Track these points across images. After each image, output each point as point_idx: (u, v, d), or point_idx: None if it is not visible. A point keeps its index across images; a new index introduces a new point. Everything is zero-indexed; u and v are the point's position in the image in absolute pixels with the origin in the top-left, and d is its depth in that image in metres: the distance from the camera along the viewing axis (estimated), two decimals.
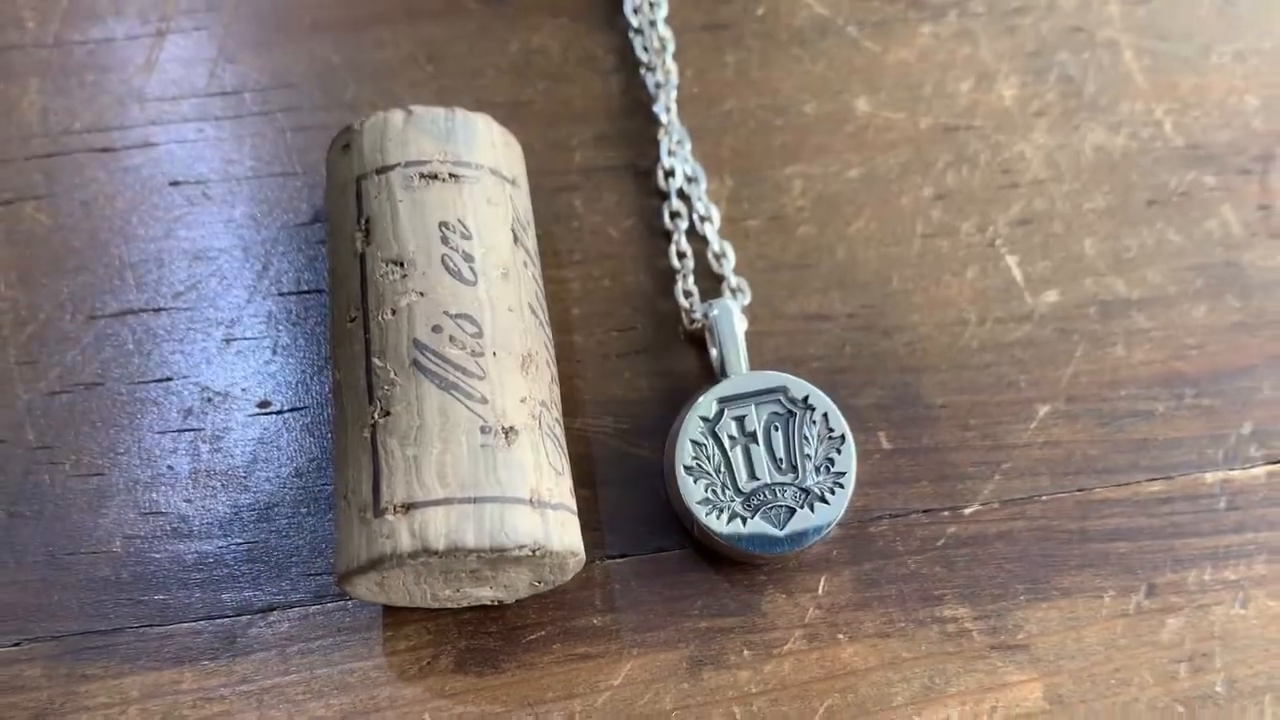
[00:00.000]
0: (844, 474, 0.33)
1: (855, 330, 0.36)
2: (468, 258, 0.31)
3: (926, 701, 0.32)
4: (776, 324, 0.36)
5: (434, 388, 0.30)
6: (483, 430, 0.30)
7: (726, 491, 0.33)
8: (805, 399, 0.33)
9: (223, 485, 0.34)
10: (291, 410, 0.35)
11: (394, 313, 0.31)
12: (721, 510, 0.32)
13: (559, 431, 0.31)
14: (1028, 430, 0.35)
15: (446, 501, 0.29)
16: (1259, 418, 0.35)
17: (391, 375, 0.30)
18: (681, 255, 0.37)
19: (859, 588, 0.34)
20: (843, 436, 0.33)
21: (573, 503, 0.31)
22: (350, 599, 0.33)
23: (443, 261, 0.31)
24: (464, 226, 0.32)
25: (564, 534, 0.30)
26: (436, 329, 0.30)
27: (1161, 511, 0.34)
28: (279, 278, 0.36)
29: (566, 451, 0.32)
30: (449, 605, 0.32)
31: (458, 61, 0.39)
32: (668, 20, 0.39)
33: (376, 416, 0.30)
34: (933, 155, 0.38)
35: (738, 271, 0.36)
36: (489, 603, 0.33)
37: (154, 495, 0.34)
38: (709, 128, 0.38)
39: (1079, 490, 0.35)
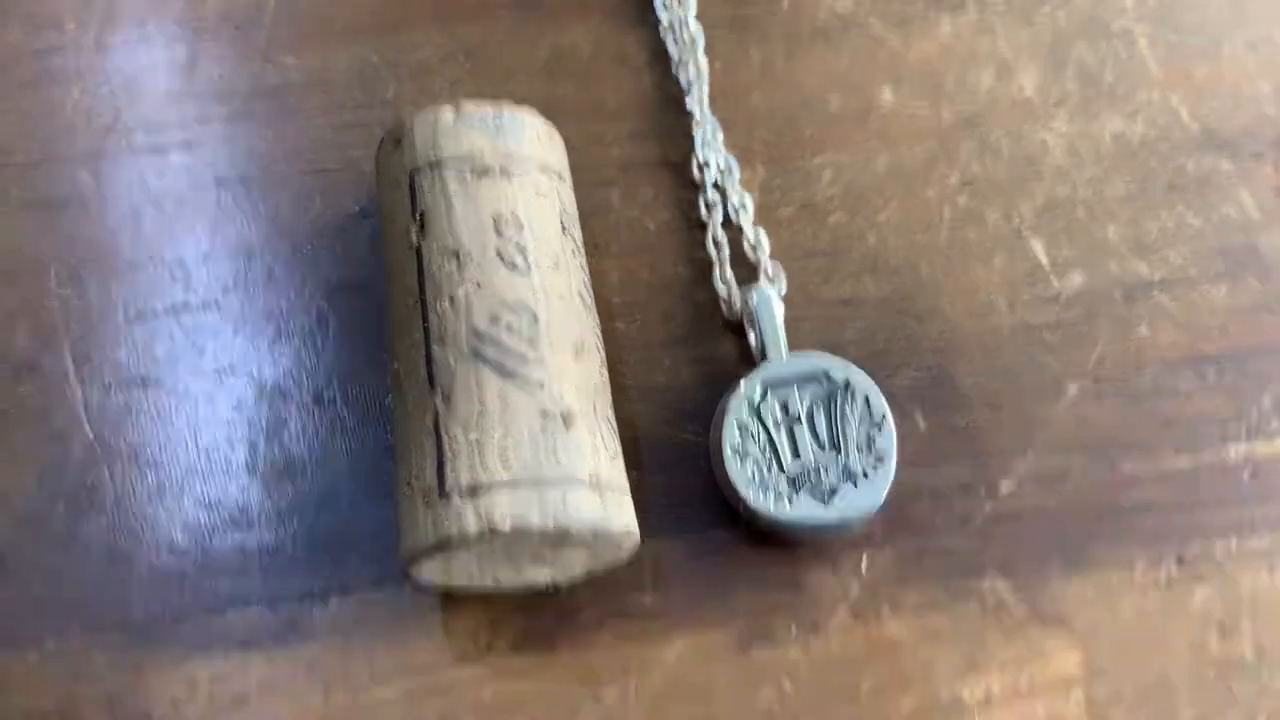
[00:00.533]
0: (885, 453, 0.34)
1: (888, 314, 0.37)
2: (520, 249, 0.32)
3: (968, 672, 0.34)
4: (812, 309, 0.37)
5: (493, 374, 0.31)
6: (542, 415, 0.31)
7: (772, 471, 0.34)
8: (846, 382, 0.34)
9: (280, 476, 0.35)
10: (345, 402, 0.36)
11: (452, 302, 0.32)
12: (768, 490, 0.34)
13: (611, 415, 0.32)
14: (1058, 410, 0.36)
15: (510, 484, 0.30)
16: (1279, 393, 0.37)
17: (451, 363, 0.31)
18: (717, 244, 0.38)
19: (900, 564, 0.35)
20: (884, 416, 0.34)
21: (627, 485, 0.32)
22: (409, 584, 0.34)
23: (497, 253, 0.32)
24: (516, 218, 0.33)
25: (621, 514, 0.31)
26: (494, 319, 0.31)
27: (1188, 485, 0.36)
28: (328, 273, 0.37)
29: (618, 435, 0.33)
30: (506, 588, 0.33)
31: (490, 62, 0.39)
32: (695, 17, 0.40)
33: (438, 403, 0.31)
34: (956, 145, 0.39)
35: (772, 258, 0.38)
36: (544, 586, 0.34)
37: (212, 487, 0.35)
38: (738, 120, 0.39)
39: (1110, 465, 0.36)
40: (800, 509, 0.33)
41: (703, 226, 0.38)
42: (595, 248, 0.38)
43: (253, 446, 0.35)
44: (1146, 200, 0.39)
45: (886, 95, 0.40)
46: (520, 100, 0.39)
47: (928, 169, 0.39)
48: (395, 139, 0.34)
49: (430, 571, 0.31)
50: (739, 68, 0.40)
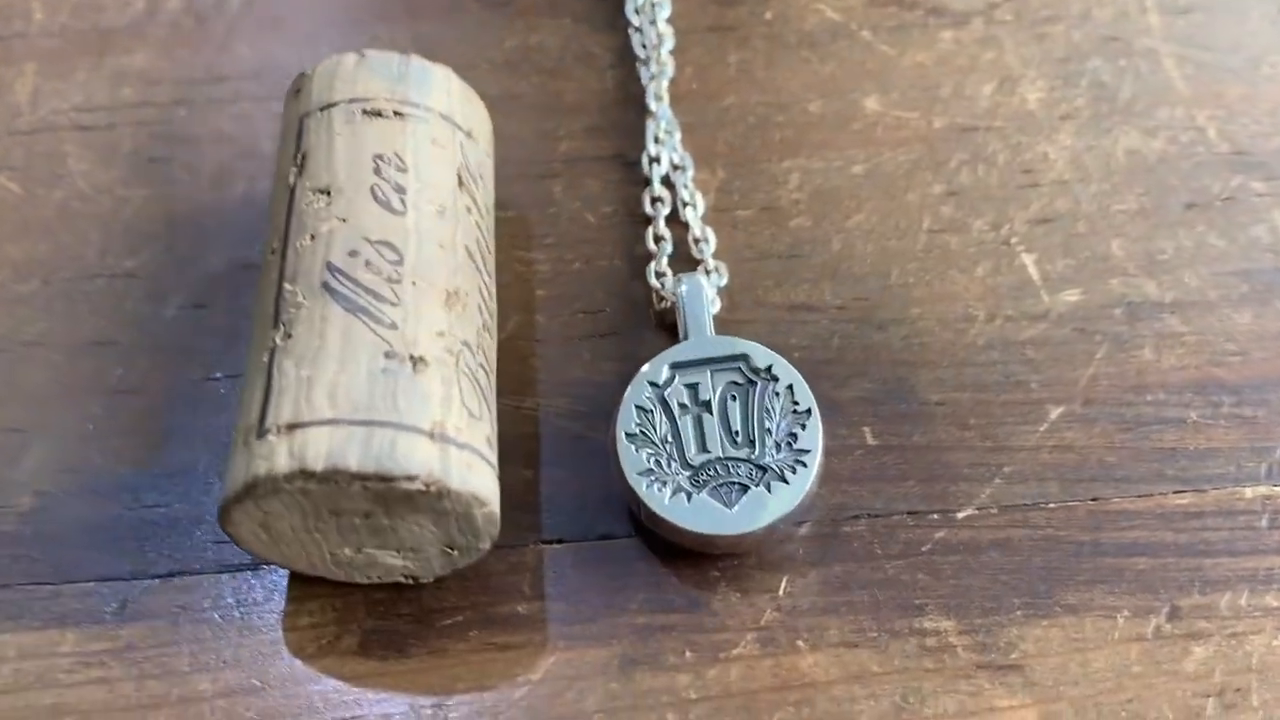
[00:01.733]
0: (808, 452, 0.29)
1: (845, 322, 0.33)
2: (399, 189, 0.29)
3: None
4: (757, 312, 0.33)
5: (340, 310, 0.27)
6: (386, 355, 0.27)
7: (672, 464, 0.29)
8: (769, 369, 0.30)
9: (141, 448, 0.31)
10: (226, 377, 0.32)
11: (313, 238, 0.28)
12: (665, 483, 0.29)
13: (484, 380, 0.28)
14: (1036, 433, 0.31)
15: (333, 422, 0.26)
16: None
17: (300, 298, 0.28)
18: (659, 239, 0.34)
19: (827, 591, 0.29)
20: (809, 411, 0.29)
21: (490, 454, 0.27)
22: (255, 567, 0.30)
23: (371, 191, 0.29)
24: (400, 160, 0.30)
25: (469, 476, 0.26)
26: (353, 253, 0.28)
27: (1190, 527, 0.29)
28: (254, 247, 0.34)
29: (491, 404, 0.28)
30: (357, 577, 0.29)
31: (450, 55, 0.37)
32: (671, 21, 0.38)
33: (278, 339, 0.27)
34: (946, 154, 0.35)
35: (719, 257, 0.33)
36: (402, 578, 0.29)
37: (72, 453, 0.31)
38: (704, 122, 0.36)
39: (1093, 500, 0.30)
40: (699, 509, 0.28)
41: (648, 222, 0.34)
42: (528, 238, 0.34)
43: (117, 415, 0.32)
44: (1161, 218, 0.34)
45: (872, 103, 0.36)
46: (476, 91, 0.36)
47: (910, 175, 0.35)
48: (296, 89, 0.32)
49: (249, 530, 0.27)
50: (714, 71, 0.37)
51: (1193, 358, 0.32)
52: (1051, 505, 0.30)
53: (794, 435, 0.29)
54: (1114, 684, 0.28)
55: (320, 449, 0.26)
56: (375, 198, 0.29)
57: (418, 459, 0.26)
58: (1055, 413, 0.31)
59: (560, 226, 0.34)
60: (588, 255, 0.34)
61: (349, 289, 0.28)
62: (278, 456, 0.26)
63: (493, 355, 0.30)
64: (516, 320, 0.33)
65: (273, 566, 0.30)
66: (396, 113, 0.30)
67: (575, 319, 0.33)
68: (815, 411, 0.29)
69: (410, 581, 0.29)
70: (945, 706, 0.28)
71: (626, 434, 0.29)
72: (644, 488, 0.29)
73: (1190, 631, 0.28)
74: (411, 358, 0.27)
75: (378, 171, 0.29)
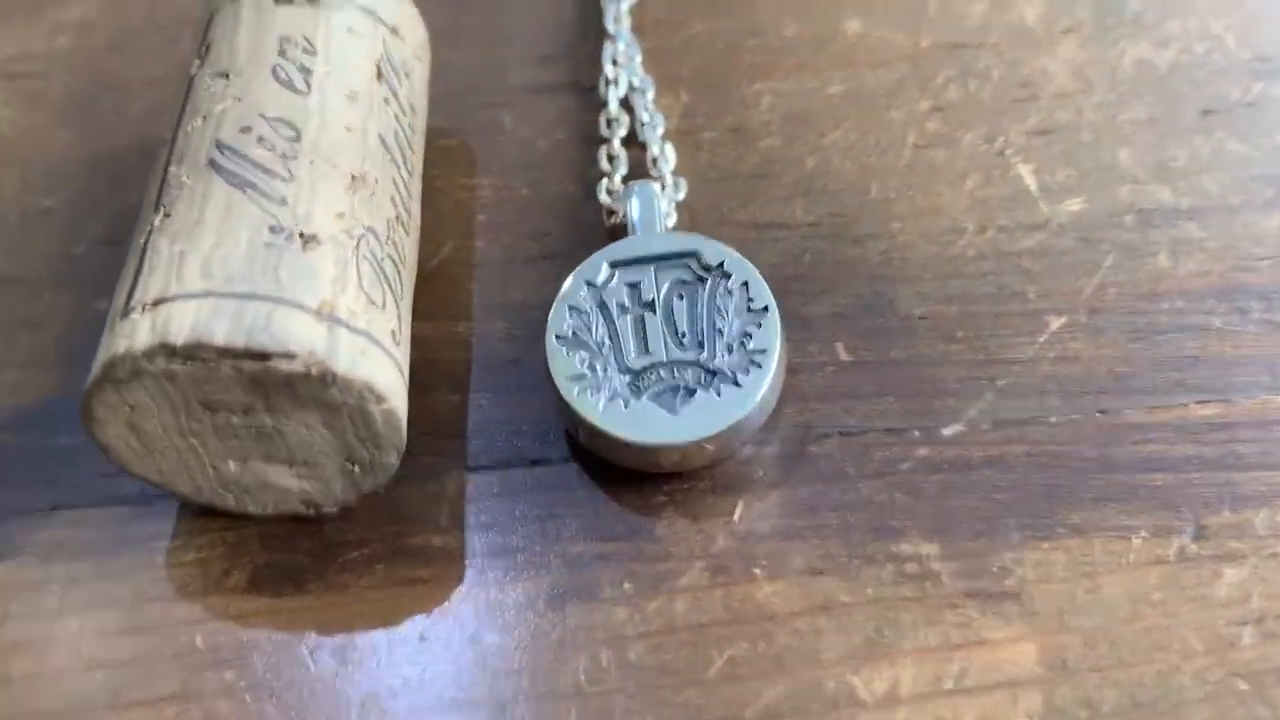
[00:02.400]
0: (763, 352, 0.25)
1: (818, 238, 0.29)
2: (304, 70, 0.26)
3: (869, 658, 0.23)
4: (720, 230, 0.29)
5: (224, 184, 0.24)
6: (272, 230, 0.24)
7: (609, 369, 0.25)
8: (720, 265, 0.26)
9: (39, 381, 0.28)
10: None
11: (204, 119, 0.25)
12: (599, 389, 0.25)
13: (391, 271, 0.25)
14: (1035, 344, 0.27)
15: (203, 294, 0.23)
16: None
17: (184, 179, 0.25)
18: (612, 158, 0.30)
19: (789, 515, 0.25)
20: (765, 308, 0.26)
21: (394, 350, 0.24)
22: (145, 500, 0.26)
23: (273, 71, 0.26)
24: (309, 43, 0.27)
25: (362, 362, 0.23)
26: (245, 129, 0.25)
27: (1217, 439, 0.25)
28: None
29: (400, 300, 0.25)
30: (250, 505, 0.25)
31: None
32: None
33: (156, 222, 0.24)
34: (933, 71, 0.32)
35: (677, 174, 0.30)
36: (301, 507, 0.25)
37: None
38: (669, 48, 0.33)
39: (1101, 413, 0.26)
40: (639, 416, 0.25)
41: (602, 144, 0.31)
42: (470, 165, 0.31)
43: (14, 343, 0.29)
44: (1174, 125, 0.30)
45: (853, 24, 0.33)
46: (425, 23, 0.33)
47: (893, 93, 0.31)
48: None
49: (117, 433, 0.24)
50: None
51: (1215, 264, 0.28)
52: (1053, 419, 0.26)
53: (748, 335, 0.25)
54: (1131, 612, 0.23)
55: (185, 322, 0.22)
56: (277, 77, 0.26)
57: (297, 335, 0.22)
58: (1056, 323, 0.27)
59: (507, 153, 0.31)
60: (535, 181, 0.31)
61: (236, 164, 0.24)
62: (138, 333, 0.22)
63: (408, 253, 0.26)
64: (453, 245, 0.30)
65: (164, 501, 0.26)
66: (311, 0, 0.28)
67: (518, 243, 0.30)
68: (774, 309, 0.25)
69: (311, 512, 0.25)
70: (927, 639, 0.23)
71: (557, 336, 0.26)
72: (575, 394, 0.25)
73: (1220, 553, 0.24)
74: (302, 235, 0.24)
75: (282, 54, 0.26)
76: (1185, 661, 0.23)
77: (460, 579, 0.25)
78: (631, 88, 0.32)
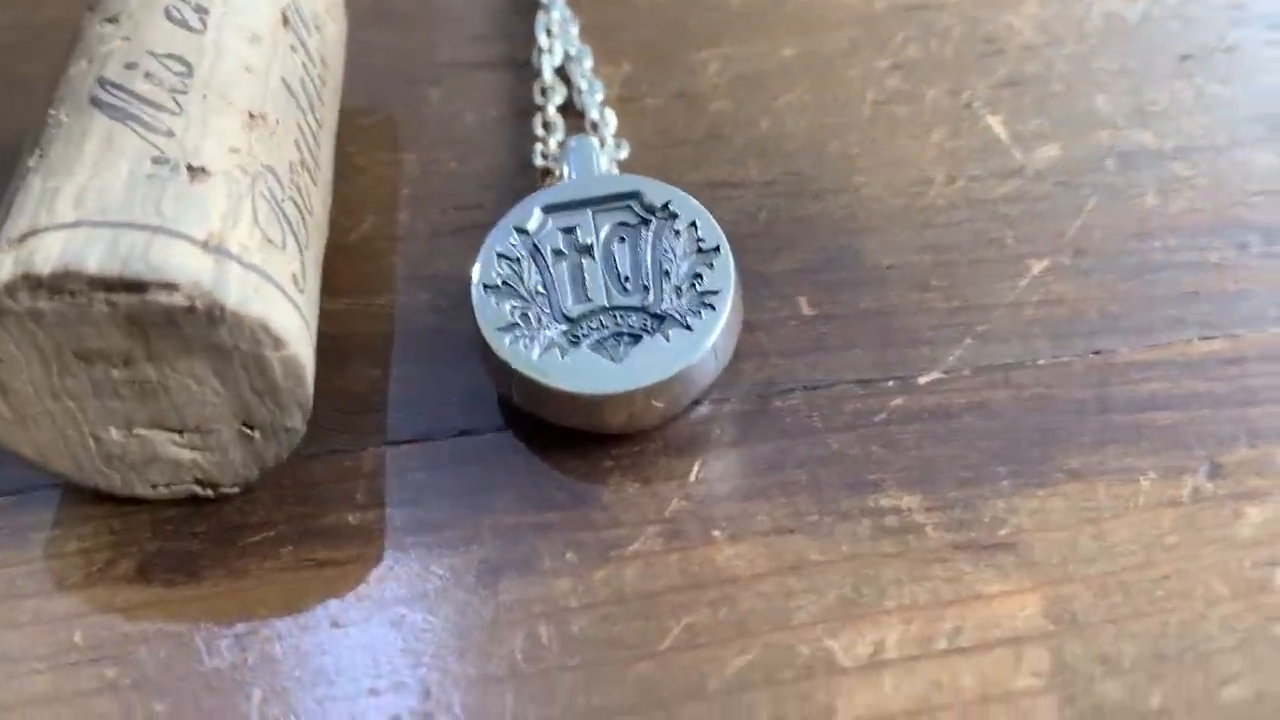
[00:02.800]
0: (715, 294, 0.22)
1: (775, 196, 0.26)
2: (200, 10, 0.24)
3: (848, 619, 0.20)
4: None
5: (106, 119, 0.21)
6: (155, 160, 0.21)
7: (543, 318, 0.22)
8: (666, 205, 0.23)
9: None
10: None
11: (90, 61, 0.23)
12: (533, 339, 0.22)
13: (293, 213, 0.22)
14: (1016, 288, 0.24)
15: (75, 224, 0.20)
16: None
17: (63, 118, 0.22)
18: (548, 124, 0.28)
19: (752, 474, 0.22)
20: (716, 248, 0.23)
21: (295, 294, 0.21)
22: (22, 490, 0.23)
23: (166, 11, 0.24)
24: None
25: (256, 299, 0.20)
26: (131, 65, 0.22)
27: (1227, 374, 0.23)
28: None
29: (303, 244, 0.22)
30: (138, 486, 0.22)
31: None
32: None
33: (31, 163, 0.21)
34: (891, 32, 0.30)
35: (619, 136, 0.28)
36: (196, 486, 0.22)
37: None
38: (607, 21, 0.31)
39: (1094, 353, 0.23)
40: (577, 365, 0.22)
41: (538, 111, 0.28)
42: (394, 140, 0.29)
43: None
44: (1151, 73, 0.28)
45: None
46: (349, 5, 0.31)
47: (849, 55, 0.29)
48: None
49: None
50: None
51: (1207, 201, 0.25)
52: (1040, 362, 0.23)
53: (698, 276, 0.23)
54: (1144, 558, 0.20)
55: (52, 251, 0.19)
56: (169, 16, 0.23)
57: (180, 265, 0.20)
58: (1038, 266, 0.24)
59: (434, 128, 0.29)
60: (464, 154, 0.28)
61: (120, 99, 0.22)
62: (1, 268, 0.20)
63: (315, 204, 0.24)
64: (373, 220, 0.27)
65: (45, 490, 0.23)
66: None
67: (446, 214, 0.27)
68: (726, 249, 0.23)
69: (209, 493, 0.22)
70: (913, 596, 0.20)
71: (485, 286, 0.23)
72: (506, 345, 0.22)
73: (1240, 491, 0.21)
74: (190, 167, 0.21)
75: None
76: (1210, 608, 0.20)
77: (378, 558, 0.22)
78: (568, 57, 0.29)
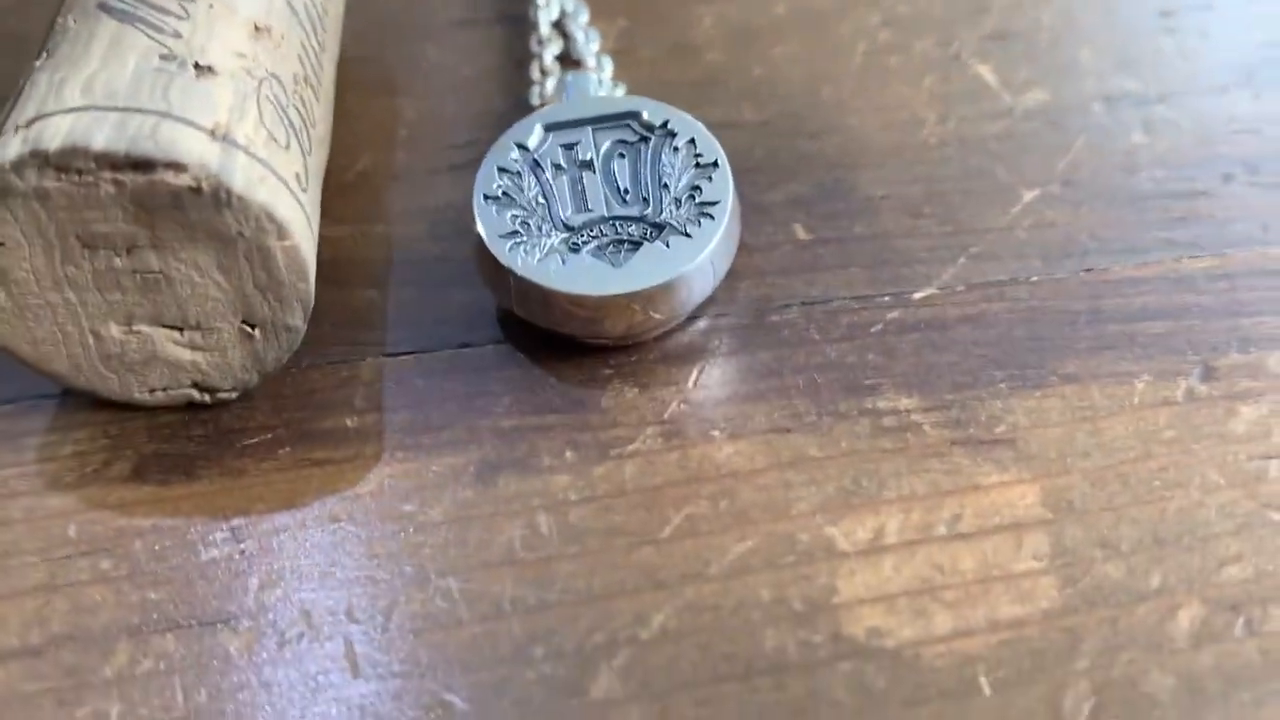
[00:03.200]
0: (714, 204, 0.23)
1: (771, 135, 0.27)
2: None
3: (847, 508, 0.20)
4: None
5: (113, 22, 0.22)
6: (163, 57, 0.21)
7: (544, 226, 0.23)
8: (665, 124, 0.24)
9: None
10: None
11: None
12: (533, 246, 0.22)
13: (296, 119, 0.22)
14: (1008, 215, 0.25)
15: (82, 109, 0.20)
16: None
17: (70, 23, 0.22)
18: (544, 72, 0.28)
19: (750, 379, 0.22)
20: (715, 163, 0.23)
21: (299, 191, 0.21)
22: (15, 399, 0.23)
23: None
24: None
25: (261, 188, 0.20)
26: None
27: (1216, 288, 0.23)
28: None
29: (306, 149, 0.22)
30: (136, 389, 0.22)
31: None
32: None
33: (37, 64, 0.22)
34: None
35: (616, 80, 0.28)
36: (194, 391, 0.22)
37: None
38: None
39: (1086, 270, 0.23)
40: (577, 270, 0.22)
41: (534, 60, 0.29)
42: (391, 87, 0.29)
43: None
44: (1134, 27, 0.29)
45: None
46: None
47: (841, 11, 0.30)
48: None
49: None
50: None
51: (1192, 139, 0.26)
52: (1034, 279, 0.23)
53: (697, 188, 0.23)
54: (1141, 451, 0.21)
55: (60, 129, 0.20)
56: None
57: (188, 148, 0.20)
58: (1030, 195, 0.25)
59: (431, 77, 0.29)
60: (461, 100, 0.28)
61: (128, 5, 0.22)
62: (7, 148, 0.20)
63: (318, 118, 0.24)
64: (371, 159, 0.27)
65: (40, 403, 0.23)
66: None
67: (442, 153, 0.27)
68: (724, 164, 0.23)
69: (205, 398, 0.22)
70: (912, 488, 0.20)
71: (486, 196, 0.23)
72: (507, 251, 0.22)
73: (1233, 392, 0.21)
74: (197, 65, 0.21)
75: None
76: (1208, 496, 0.20)
77: (377, 458, 0.22)
78: (564, 13, 0.30)
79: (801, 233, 0.25)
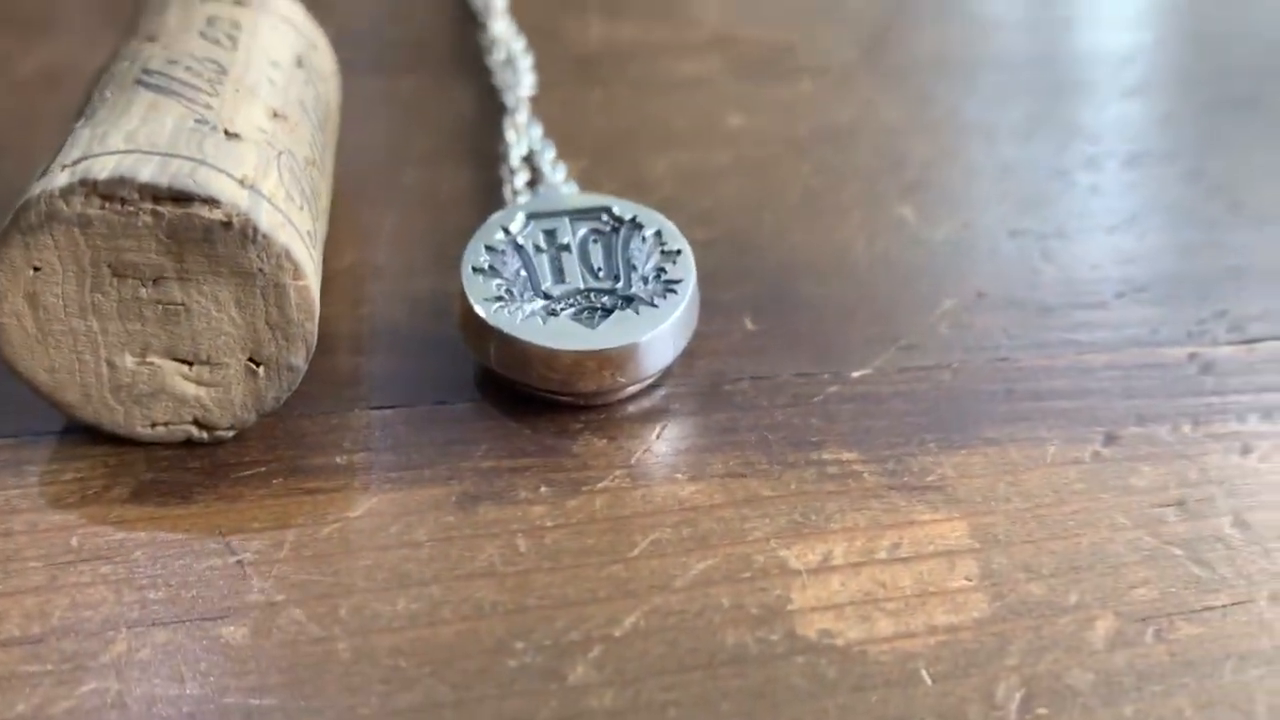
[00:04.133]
0: (679, 282, 0.26)
1: (720, 250, 0.30)
2: (231, 36, 0.27)
3: (798, 535, 0.22)
4: None
5: (149, 93, 0.24)
6: (197, 121, 0.24)
7: (526, 293, 0.25)
8: (634, 218, 0.27)
9: None
10: None
11: (132, 62, 0.26)
12: (516, 309, 0.25)
13: (308, 189, 0.25)
14: (930, 317, 0.28)
15: (127, 152, 0.22)
16: (1226, 301, 0.28)
17: (107, 96, 0.25)
18: (516, 193, 0.31)
19: (708, 434, 0.25)
20: (679, 251, 0.26)
21: (311, 248, 0.24)
22: (14, 434, 0.24)
23: (200, 33, 0.27)
24: (234, 23, 0.28)
25: (283, 232, 0.23)
26: (172, 62, 0.26)
27: (1113, 376, 0.26)
28: None
29: (315, 214, 0.25)
30: (139, 422, 0.24)
31: None
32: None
33: (76, 126, 0.24)
34: (811, 147, 0.34)
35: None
36: (194, 427, 0.24)
37: None
38: (566, 130, 0.35)
39: (1001, 360, 0.27)
40: (557, 329, 0.24)
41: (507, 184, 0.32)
42: (370, 198, 0.32)
43: None
44: (1033, 181, 0.33)
45: (735, 120, 0.36)
46: None
47: (777, 163, 0.34)
48: None
49: (10, 301, 0.22)
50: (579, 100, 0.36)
51: (1086, 265, 0.29)
52: (955, 365, 0.26)
53: (663, 269, 0.26)
54: (1055, 499, 0.23)
55: (107, 164, 0.22)
56: (204, 36, 0.27)
57: (220, 188, 0.22)
58: (949, 303, 0.28)
59: (411, 194, 0.32)
60: (439, 214, 0.31)
61: (163, 81, 0.25)
62: (56, 178, 0.22)
63: (323, 202, 0.26)
64: (354, 255, 0.30)
65: (38, 439, 0.24)
66: (236, 2, 0.29)
67: (421, 253, 0.30)
68: (687, 251, 0.26)
69: (203, 435, 0.24)
70: (855, 522, 0.23)
71: (473, 268, 0.26)
72: (492, 311, 0.25)
73: (1134, 455, 0.24)
74: (226, 131, 0.24)
75: (210, 25, 0.27)
76: (1117, 534, 0.22)
77: (365, 488, 0.23)
78: (532, 150, 0.33)
79: (750, 324, 0.28)
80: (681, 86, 0.37)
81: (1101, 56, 0.39)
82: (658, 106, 0.36)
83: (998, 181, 0.33)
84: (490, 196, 0.32)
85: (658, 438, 0.25)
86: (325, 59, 0.31)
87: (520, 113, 0.34)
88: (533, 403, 0.25)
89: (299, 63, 0.28)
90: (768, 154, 0.34)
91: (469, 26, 0.39)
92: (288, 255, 0.23)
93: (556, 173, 0.32)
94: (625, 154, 0.34)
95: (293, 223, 0.23)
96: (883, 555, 0.22)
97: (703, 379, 0.26)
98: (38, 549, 0.22)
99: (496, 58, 0.38)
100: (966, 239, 0.30)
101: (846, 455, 0.24)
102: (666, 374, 0.26)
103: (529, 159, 0.33)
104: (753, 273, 0.29)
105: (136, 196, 0.22)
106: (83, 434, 0.24)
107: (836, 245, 0.30)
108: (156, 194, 0.22)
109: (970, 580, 0.22)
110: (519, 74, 0.36)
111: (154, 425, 0.24)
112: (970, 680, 0.20)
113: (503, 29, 0.39)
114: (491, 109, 0.36)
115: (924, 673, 0.20)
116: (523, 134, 0.34)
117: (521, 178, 0.32)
